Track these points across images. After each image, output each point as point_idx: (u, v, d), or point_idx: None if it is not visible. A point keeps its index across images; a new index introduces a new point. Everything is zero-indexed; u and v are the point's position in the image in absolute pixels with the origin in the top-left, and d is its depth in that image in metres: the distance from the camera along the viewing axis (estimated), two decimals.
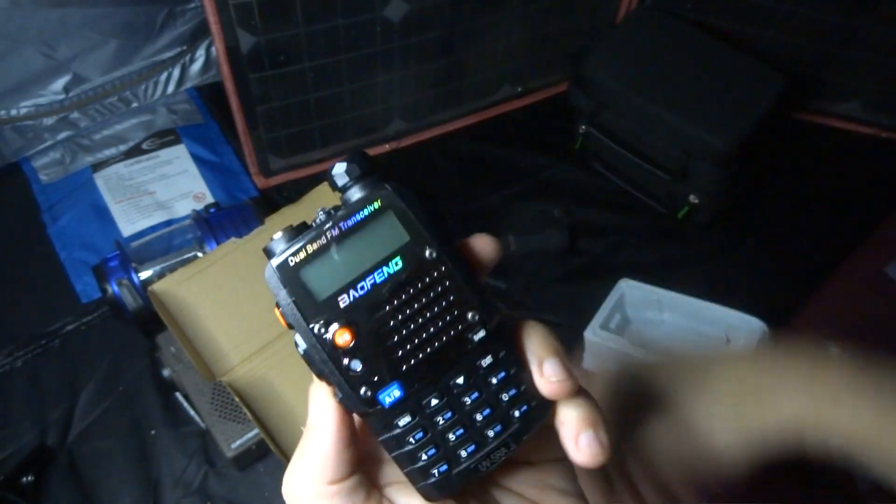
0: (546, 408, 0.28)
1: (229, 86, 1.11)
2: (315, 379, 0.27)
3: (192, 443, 0.99)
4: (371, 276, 0.26)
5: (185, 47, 1.34)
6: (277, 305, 0.27)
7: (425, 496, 0.27)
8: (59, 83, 1.24)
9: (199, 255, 1.04)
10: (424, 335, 0.27)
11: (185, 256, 1.05)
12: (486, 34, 1.27)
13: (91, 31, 1.20)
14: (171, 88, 1.37)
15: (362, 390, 0.26)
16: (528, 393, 0.28)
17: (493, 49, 1.31)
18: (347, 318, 0.26)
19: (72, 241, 1.18)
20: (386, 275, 0.26)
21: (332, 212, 0.27)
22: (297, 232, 0.27)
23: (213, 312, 0.91)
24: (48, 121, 1.27)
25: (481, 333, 0.27)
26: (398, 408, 0.27)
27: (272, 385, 0.90)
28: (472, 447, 0.27)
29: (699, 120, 1.13)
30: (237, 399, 0.86)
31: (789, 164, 1.33)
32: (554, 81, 1.46)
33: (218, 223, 1.05)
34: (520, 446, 0.28)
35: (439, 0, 1.16)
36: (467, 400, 0.27)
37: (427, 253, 0.27)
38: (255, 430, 0.90)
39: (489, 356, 0.27)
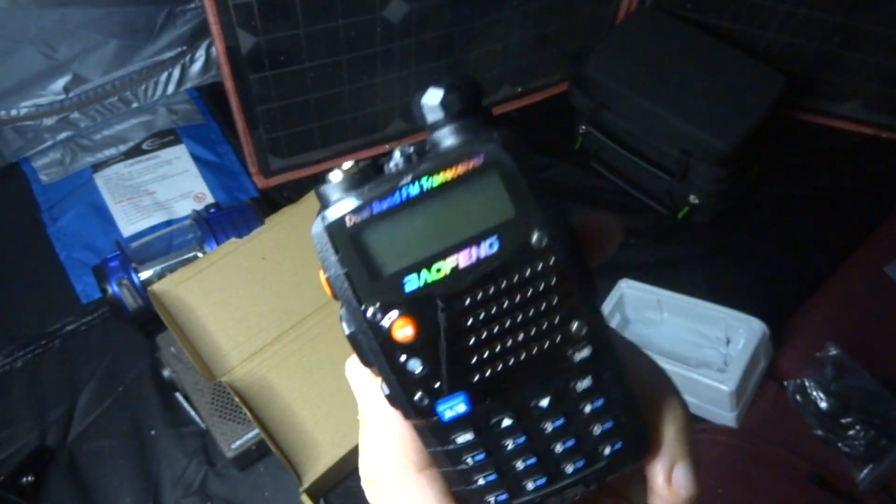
0: (643, 449, 0.23)
1: (229, 86, 1.11)
2: (354, 362, 0.23)
3: (192, 443, 0.99)
4: (454, 257, 0.20)
5: (185, 47, 1.34)
6: (324, 270, 0.21)
7: None
8: (59, 83, 1.24)
9: (200, 255, 1.04)
10: (510, 343, 0.21)
11: (186, 257, 1.05)
12: (486, 34, 1.27)
13: (91, 31, 1.20)
14: (171, 88, 1.37)
15: (417, 396, 0.21)
16: (626, 428, 0.22)
17: (493, 49, 1.31)
18: (413, 307, 0.20)
19: (72, 242, 1.18)
20: (474, 258, 0.20)
21: (414, 155, 0.20)
22: (363, 177, 0.20)
23: (213, 312, 0.91)
24: (48, 121, 1.27)
25: (586, 352, 0.21)
26: (460, 424, 0.21)
27: (272, 385, 0.90)
28: (543, 480, 0.22)
29: (699, 120, 1.13)
30: (237, 399, 0.86)
31: (789, 164, 1.33)
32: (554, 81, 1.46)
33: (218, 223, 1.05)
34: (601, 487, 0.23)
35: (439, 0, 1.16)
36: (548, 427, 0.22)
37: (535, 237, 0.20)
38: (255, 430, 0.90)
39: (589, 379, 0.22)
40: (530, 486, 0.22)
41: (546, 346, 0.21)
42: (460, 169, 0.20)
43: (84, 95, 1.27)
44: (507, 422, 0.22)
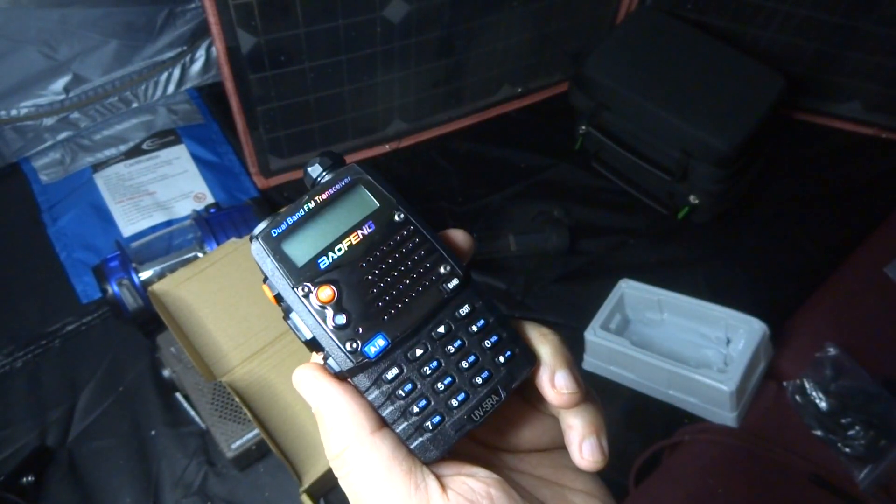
0: (531, 357, 0.29)
1: (229, 86, 1.11)
2: (297, 370, 0.29)
3: (192, 443, 0.99)
4: (347, 239, 0.29)
5: (185, 48, 1.34)
6: (265, 280, 0.29)
7: (424, 457, 0.27)
8: (60, 83, 1.23)
9: (200, 255, 1.04)
10: (401, 286, 0.28)
11: (186, 257, 1.05)
12: (486, 34, 1.27)
13: (91, 32, 1.20)
14: (171, 89, 1.37)
15: (348, 344, 0.27)
16: (511, 340, 0.29)
17: (493, 49, 1.31)
18: (328, 277, 0.28)
19: (72, 242, 1.18)
20: (360, 237, 0.29)
21: (311, 192, 0.30)
22: (277, 213, 0.30)
23: (213, 313, 0.91)
24: (48, 121, 1.27)
25: (455, 282, 0.29)
26: (384, 359, 0.27)
27: (272, 385, 0.90)
28: (462, 395, 0.28)
29: (699, 120, 1.13)
30: (237, 399, 0.86)
31: (789, 164, 1.33)
32: (554, 81, 1.46)
33: (218, 223, 1.05)
34: (509, 394, 0.28)
35: (439, 0, 1.16)
36: (451, 349, 0.28)
37: (396, 216, 0.29)
38: (255, 430, 0.90)
39: (466, 305, 0.29)
40: (454, 403, 0.28)
41: (427, 283, 0.28)
42: (339, 186, 0.29)
43: (84, 95, 1.27)
44: (419, 351, 0.28)
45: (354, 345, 0.27)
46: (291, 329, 0.28)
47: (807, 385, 0.97)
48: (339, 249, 0.28)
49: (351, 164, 0.30)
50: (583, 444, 0.28)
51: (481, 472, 0.27)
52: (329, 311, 0.27)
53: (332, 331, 0.27)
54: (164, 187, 1.25)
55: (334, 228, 0.29)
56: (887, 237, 1.17)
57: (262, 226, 0.29)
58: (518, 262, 1.20)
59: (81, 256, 1.16)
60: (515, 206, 1.28)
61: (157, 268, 1.04)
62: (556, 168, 1.34)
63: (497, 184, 1.31)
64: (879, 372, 0.98)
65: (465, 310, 0.29)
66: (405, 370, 0.28)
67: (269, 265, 0.28)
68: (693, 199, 1.19)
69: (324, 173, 0.30)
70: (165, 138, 1.31)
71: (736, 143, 1.11)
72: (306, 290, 0.28)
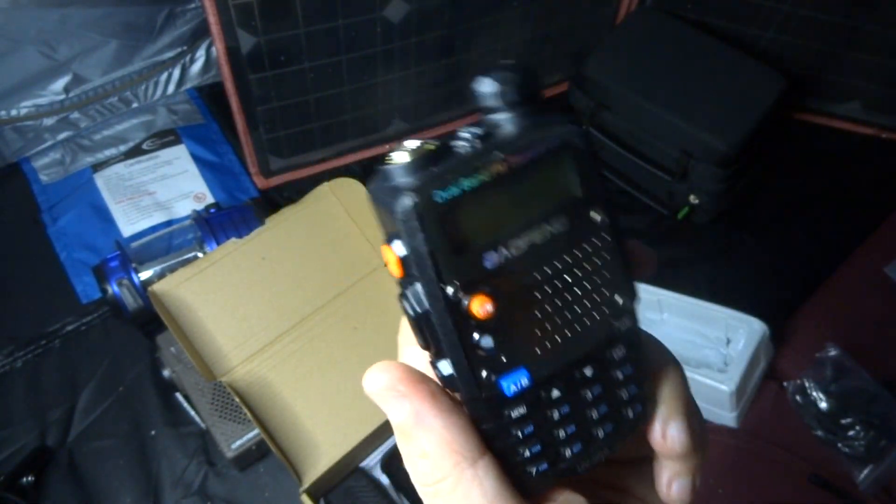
0: (650, 411, 0.25)
1: (229, 86, 1.11)
2: (385, 368, 0.23)
3: (192, 443, 0.99)
4: (531, 234, 0.21)
5: (185, 48, 1.34)
6: (389, 244, 0.21)
7: (524, 493, 0.23)
8: (60, 83, 1.23)
9: (200, 255, 1.04)
10: (569, 314, 0.22)
11: (186, 257, 1.05)
12: (486, 34, 1.27)
13: (91, 32, 1.20)
14: (171, 89, 1.37)
15: (484, 373, 0.21)
16: (645, 393, 0.24)
17: (493, 49, 1.31)
18: (493, 284, 0.21)
19: (72, 242, 1.18)
20: (548, 234, 0.21)
21: (486, 135, 0.21)
22: (437, 156, 0.20)
23: (213, 313, 0.91)
24: (48, 121, 1.27)
25: (627, 322, 0.23)
26: (519, 398, 0.22)
27: (272, 385, 0.90)
28: (579, 447, 0.23)
29: (699, 120, 1.13)
30: (237, 399, 0.86)
31: (789, 164, 1.33)
32: (554, 81, 1.45)
33: (218, 223, 1.05)
34: (619, 449, 0.24)
35: (439, 0, 1.16)
36: (588, 394, 0.23)
37: (595, 216, 0.22)
38: (255, 430, 0.90)
39: (623, 348, 0.23)
40: (568, 453, 0.23)
41: (597, 317, 0.22)
42: (541, 149, 0.21)
43: (84, 95, 1.27)
44: (556, 393, 0.22)
45: (492, 377, 0.21)
46: (403, 309, 0.21)
47: (807, 385, 0.97)
48: (518, 247, 0.21)
49: (559, 118, 0.21)
50: (673, 482, 0.25)
51: (573, 496, 0.24)
52: (476, 328, 0.21)
53: (469, 352, 0.21)
54: (164, 187, 1.25)
55: (520, 211, 0.21)
56: (887, 237, 1.17)
57: (416, 176, 0.20)
58: None
59: (81, 256, 1.16)
60: None
61: (157, 268, 1.04)
62: None
63: None
64: (880, 372, 0.98)
65: (619, 353, 0.23)
66: (533, 413, 0.22)
67: (419, 242, 0.20)
68: (693, 199, 1.19)
69: (512, 105, 0.21)
70: (165, 138, 1.31)
71: (736, 143, 1.11)
72: (459, 294, 0.20)
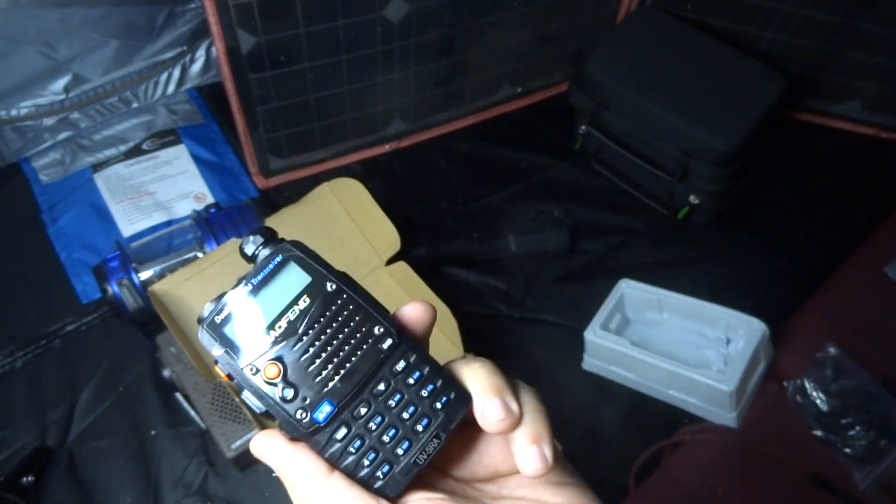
0: (466, 396, 0.31)
1: (229, 86, 1.11)
2: (255, 438, 0.31)
3: (192, 443, 0.99)
4: (285, 316, 0.30)
5: (185, 48, 1.34)
6: (216, 362, 0.30)
7: (382, 496, 0.30)
8: (60, 83, 1.23)
9: (200, 255, 1.04)
10: (341, 354, 0.30)
11: (186, 257, 1.05)
12: (486, 34, 1.27)
13: (91, 32, 1.20)
14: (171, 89, 1.37)
15: (298, 414, 0.29)
16: (445, 386, 0.31)
17: (493, 49, 1.31)
18: (272, 355, 0.30)
19: (72, 242, 1.18)
20: (297, 312, 0.30)
21: (247, 275, 0.32)
22: (219, 298, 0.31)
23: None
24: (48, 121, 1.27)
25: (389, 342, 0.31)
26: (333, 422, 0.30)
27: None
28: (407, 444, 0.30)
29: (699, 120, 1.13)
30: (237, 399, 0.86)
31: (789, 164, 1.33)
32: (554, 81, 1.46)
33: (218, 223, 1.05)
34: (448, 435, 0.30)
35: (439, 0, 1.16)
36: (392, 403, 0.30)
37: (328, 286, 0.31)
38: (255, 430, 0.90)
39: (402, 360, 0.31)
40: (400, 451, 0.30)
41: (364, 347, 0.30)
42: (271, 266, 0.31)
43: (84, 95, 1.27)
44: (363, 410, 0.30)
45: (304, 413, 0.29)
46: (244, 404, 0.30)
47: (807, 385, 0.97)
48: (280, 327, 0.30)
49: (282, 243, 0.32)
50: (525, 455, 0.29)
51: (433, 494, 0.30)
52: (277, 386, 0.29)
53: (281, 403, 0.29)
54: (164, 187, 1.25)
55: (272, 307, 0.30)
56: (887, 237, 1.17)
57: (205, 311, 0.31)
58: (518, 262, 1.20)
59: (81, 256, 1.16)
60: (515, 206, 1.28)
61: (157, 268, 1.04)
62: (556, 168, 1.34)
63: (497, 184, 1.31)
64: (880, 372, 0.98)
65: (400, 365, 0.31)
66: (353, 429, 0.30)
67: (217, 350, 0.30)
68: (693, 199, 1.19)
69: (258, 250, 0.32)
70: (165, 138, 1.31)
71: (736, 143, 1.11)
72: (254, 369, 0.30)
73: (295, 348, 0.30)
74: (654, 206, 1.26)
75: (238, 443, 0.91)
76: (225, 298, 0.31)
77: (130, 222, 1.20)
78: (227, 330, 0.30)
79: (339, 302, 0.31)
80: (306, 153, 1.28)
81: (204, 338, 0.31)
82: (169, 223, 1.20)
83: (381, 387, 0.30)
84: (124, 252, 1.03)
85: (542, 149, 1.36)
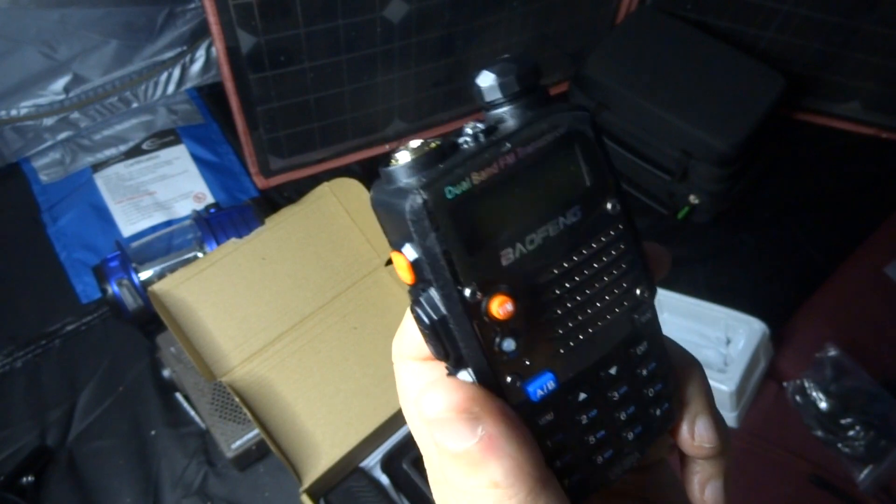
0: (678, 407, 0.24)
1: (229, 86, 1.11)
2: (444, 389, 0.20)
3: (192, 443, 0.99)
4: (545, 227, 0.20)
5: (185, 47, 1.34)
6: (399, 248, 0.19)
7: None
8: (59, 83, 1.23)
9: (200, 255, 1.04)
10: (591, 311, 0.21)
11: (186, 257, 1.05)
12: (486, 34, 1.27)
13: (91, 32, 1.20)
14: (171, 89, 1.37)
15: (509, 378, 0.20)
16: (671, 390, 0.23)
17: (493, 49, 1.31)
18: (511, 281, 0.19)
19: (72, 242, 1.18)
20: (562, 226, 0.20)
21: (491, 129, 0.20)
22: (439, 154, 0.19)
23: (213, 313, 0.91)
24: (48, 121, 1.27)
25: (648, 315, 0.22)
26: (545, 404, 0.21)
27: (272, 385, 0.90)
28: (610, 453, 0.22)
29: (699, 120, 1.13)
30: (237, 399, 0.86)
31: (789, 164, 1.33)
32: (554, 81, 1.45)
33: (218, 223, 1.05)
34: (647, 452, 0.23)
35: (439, 0, 1.16)
36: (615, 396, 0.22)
37: (610, 205, 0.21)
38: (255, 431, 0.90)
39: (645, 343, 0.22)
40: (599, 460, 0.22)
41: (618, 311, 0.21)
42: (549, 139, 0.20)
43: (84, 95, 1.27)
44: (582, 396, 0.21)
45: (517, 382, 0.20)
46: (417, 318, 0.20)
47: (807, 385, 0.97)
48: (533, 241, 0.19)
49: (563, 107, 0.20)
50: (707, 485, 0.24)
51: None
52: (497, 331, 0.19)
53: (492, 358, 0.20)
54: (164, 187, 1.25)
55: (532, 205, 0.20)
56: (887, 237, 1.17)
57: (423, 175, 0.19)
58: None
59: (81, 256, 1.16)
60: None
61: (157, 268, 1.04)
62: None
63: None
64: (879, 372, 0.98)
65: (642, 348, 0.22)
66: (562, 418, 0.21)
67: (432, 242, 0.19)
68: (693, 199, 1.19)
69: (513, 98, 0.20)
70: (165, 138, 1.31)
71: (736, 143, 1.11)
72: (478, 295, 0.19)
73: (542, 281, 0.20)
74: (653, 205, 1.26)
75: (238, 442, 0.91)
76: (469, 159, 0.19)
77: (130, 222, 1.20)
78: (462, 213, 0.19)
79: (614, 234, 0.21)
80: (306, 153, 1.28)
81: (415, 213, 0.18)
82: (169, 223, 1.20)
83: (613, 371, 0.22)
84: (124, 252, 1.03)
85: None
